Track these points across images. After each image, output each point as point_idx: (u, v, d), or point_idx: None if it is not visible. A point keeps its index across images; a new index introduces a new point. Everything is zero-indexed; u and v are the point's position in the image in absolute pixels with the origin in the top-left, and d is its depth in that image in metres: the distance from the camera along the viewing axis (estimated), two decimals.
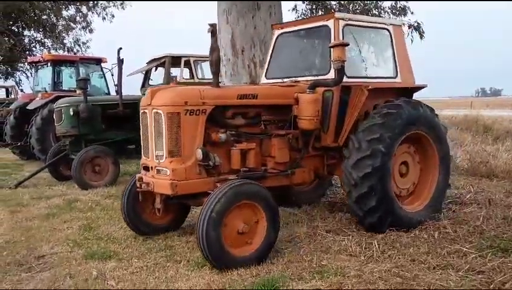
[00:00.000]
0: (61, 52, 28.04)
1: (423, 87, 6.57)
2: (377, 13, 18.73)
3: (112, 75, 13.81)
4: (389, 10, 18.68)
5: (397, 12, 18.50)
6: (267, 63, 6.84)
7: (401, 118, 5.69)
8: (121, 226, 6.21)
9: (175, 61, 12.09)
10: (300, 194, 7.19)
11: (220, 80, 8.20)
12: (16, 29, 28.92)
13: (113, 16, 30.24)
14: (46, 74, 14.35)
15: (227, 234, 4.60)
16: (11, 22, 27.90)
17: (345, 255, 5.02)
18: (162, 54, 12.07)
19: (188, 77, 12.50)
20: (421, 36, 18.30)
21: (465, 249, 4.97)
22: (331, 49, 5.41)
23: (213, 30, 5.18)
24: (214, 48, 5.22)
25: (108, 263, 4.93)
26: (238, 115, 5.57)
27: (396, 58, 6.35)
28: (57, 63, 14.28)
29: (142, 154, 5.47)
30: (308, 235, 5.68)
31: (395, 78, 6.35)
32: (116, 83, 12.00)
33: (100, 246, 5.52)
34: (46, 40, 29.58)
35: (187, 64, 12.36)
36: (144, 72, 12.65)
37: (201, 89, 5.31)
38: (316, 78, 5.98)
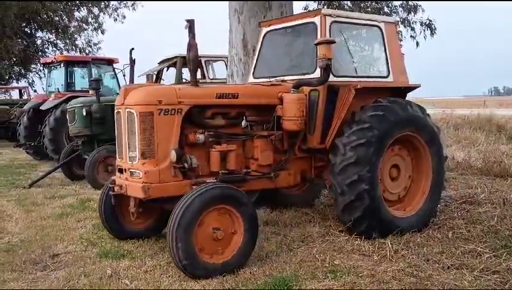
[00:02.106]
0: (73, 53, 28.31)
1: (416, 87, 6.32)
2: (388, 11, 18.59)
3: (124, 75, 13.89)
4: (400, 9, 18.52)
5: (409, 10, 18.33)
6: (254, 62, 6.63)
7: (388, 121, 5.41)
8: None
9: (186, 61, 12.12)
10: (291, 197, 7.00)
11: (232, 80, 8.24)
12: (29, 31, 29.27)
13: (124, 17, 30.47)
14: (59, 75, 14.48)
15: (199, 239, 4.40)
16: (24, 24, 28.23)
17: (358, 254, 5.01)
18: (174, 54, 12.12)
19: (199, 77, 12.53)
20: (432, 34, 18.15)
21: (479, 249, 4.93)
22: (317, 46, 5.18)
23: (190, 26, 4.94)
24: (192, 45, 4.96)
25: (122, 261, 4.96)
26: (218, 115, 5.32)
27: (388, 56, 6.08)
28: (70, 64, 14.40)
29: (117, 156, 5.26)
30: (321, 234, 5.67)
31: (386, 77, 6.09)
32: (128, 83, 12.07)
33: (113, 245, 5.56)
34: (58, 41, 29.90)
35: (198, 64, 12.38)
36: (155, 73, 12.71)
37: (177, 88, 5.09)
38: (302, 77, 5.74)
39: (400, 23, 18.46)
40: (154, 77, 12.70)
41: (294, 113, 5.37)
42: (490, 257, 4.72)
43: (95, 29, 30.44)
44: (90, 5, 29.18)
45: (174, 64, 12.10)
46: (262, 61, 6.56)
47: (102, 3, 29.64)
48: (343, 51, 6.11)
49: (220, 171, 5.12)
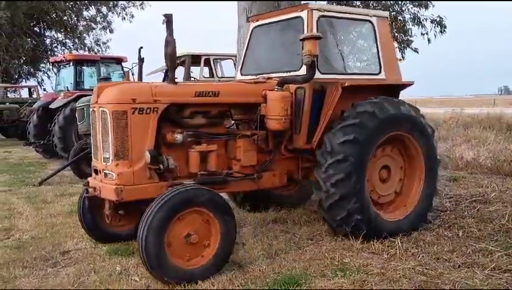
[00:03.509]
0: (82, 52, 28.47)
1: (409, 85, 6.09)
2: (398, 9, 18.45)
3: (133, 74, 13.94)
4: (410, 6, 18.38)
5: (419, 6, 18.19)
6: (242, 58, 6.39)
7: (378, 118, 5.16)
8: None
9: (195, 59, 12.15)
10: (285, 197, 6.83)
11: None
12: (38, 30, 29.48)
13: (132, 16, 30.59)
14: (68, 74, 14.56)
15: (171, 244, 4.23)
16: (33, 23, 28.43)
17: (367, 253, 4.99)
18: (182, 53, 12.14)
19: (207, 75, 12.55)
20: (442, 31, 18.00)
21: (490, 247, 4.89)
22: (303, 42, 4.97)
23: (168, 21, 4.71)
24: (169, 41, 4.71)
25: (131, 259, 4.97)
26: (198, 114, 5.10)
27: (380, 52, 5.82)
28: (79, 63, 14.48)
29: (92, 156, 5.07)
30: (330, 233, 5.64)
31: (378, 74, 5.83)
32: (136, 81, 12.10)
33: (123, 242, 5.56)
34: (67, 40, 30.09)
35: (207, 62, 12.41)
36: (164, 71, 12.74)
37: (153, 86, 4.89)
38: (288, 74, 5.50)
39: (409, 20, 18.34)
40: (164, 74, 12.73)
41: (278, 112, 5.16)
42: (502, 255, 4.68)
43: (104, 28, 30.61)
44: (99, 4, 29.33)
45: (182, 63, 12.12)
46: (250, 58, 6.34)
47: (111, 3, 29.76)
48: (332, 47, 5.90)
49: (199, 173, 4.93)
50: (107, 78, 10.75)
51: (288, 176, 5.74)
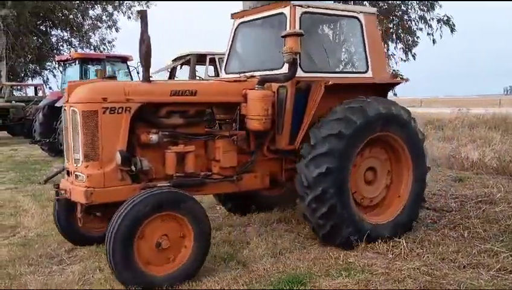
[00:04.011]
0: (87, 50, 28.57)
1: (397, 84, 5.96)
2: (405, 9, 18.40)
3: (138, 73, 13.98)
4: (416, 6, 18.32)
5: (426, 8, 18.12)
6: (226, 56, 6.19)
7: (366, 115, 5.01)
8: None
9: (200, 58, 12.15)
10: (272, 198, 6.64)
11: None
12: (44, 29, 29.60)
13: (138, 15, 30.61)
14: (73, 72, 14.60)
15: (141, 250, 4.07)
16: (39, 22, 28.55)
17: (372, 252, 4.98)
18: (187, 52, 12.15)
19: (212, 74, 12.56)
20: (452, 30, 17.92)
21: (496, 248, 4.88)
22: (285, 39, 4.83)
23: (142, 17, 4.61)
24: (144, 38, 4.55)
25: None
26: (175, 114, 4.90)
27: (367, 50, 5.60)
28: (84, 61, 14.52)
29: (65, 157, 4.89)
30: None
31: (365, 72, 5.62)
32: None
33: None
34: (73, 39, 30.20)
35: (212, 61, 12.41)
36: (169, 70, 12.76)
37: (126, 84, 4.76)
38: (270, 72, 5.31)
39: (416, 20, 18.25)
40: (169, 73, 12.75)
41: (259, 112, 4.97)
42: (507, 256, 4.66)
43: (109, 27, 30.69)
44: (104, 3, 29.41)
45: (187, 62, 12.13)
46: (234, 56, 6.13)
47: (117, 2, 29.84)
48: (316, 45, 5.74)
49: (174, 175, 4.74)
50: (113, 77, 10.81)
51: (271, 178, 5.52)
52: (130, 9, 30.36)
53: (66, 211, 5.09)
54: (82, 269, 4.67)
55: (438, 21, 17.90)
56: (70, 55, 14.95)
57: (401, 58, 19.32)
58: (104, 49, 30.26)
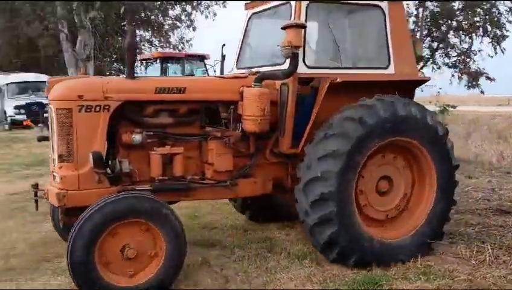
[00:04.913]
0: (167, 49, 29.69)
1: (425, 81, 5.24)
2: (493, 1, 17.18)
3: (215, 71, 14.32)
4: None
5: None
6: (238, 50, 5.74)
7: (366, 125, 4.37)
8: (224, 216, 6.49)
9: None
10: (289, 207, 5.68)
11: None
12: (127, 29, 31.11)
13: (215, 14, 31.33)
14: (154, 70, 15.28)
15: (106, 258, 3.83)
16: (123, 23, 30.07)
17: (453, 257, 4.78)
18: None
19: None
20: None
21: None
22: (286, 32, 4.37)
23: (127, 12, 4.40)
24: (128, 30, 4.33)
25: (212, 250, 5.12)
26: (164, 113, 4.58)
27: (389, 43, 4.99)
28: (165, 60, 15.15)
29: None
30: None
31: (385, 68, 5.00)
32: None
33: (203, 234, 5.75)
34: (153, 38, 31.51)
35: None
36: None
37: (104, 81, 4.40)
38: (273, 68, 4.86)
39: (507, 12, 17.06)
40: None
41: (254, 111, 4.50)
42: None
43: (188, 26, 31.65)
44: (184, 3, 30.38)
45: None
46: (246, 49, 5.70)
47: (195, 2, 30.70)
48: (326, 37, 5.20)
49: (157, 178, 4.40)
50: (191, 75, 11.17)
51: (275, 184, 5.03)
52: (207, 9, 31.13)
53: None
54: None
55: None
56: (151, 54, 15.65)
57: (489, 54, 18.21)
58: (182, 48, 31.28)
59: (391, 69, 4.99)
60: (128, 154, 4.43)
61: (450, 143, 4.82)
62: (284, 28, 4.36)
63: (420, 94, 15.32)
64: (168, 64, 15.43)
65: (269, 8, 5.33)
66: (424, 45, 15.00)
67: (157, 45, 31.10)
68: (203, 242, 5.37)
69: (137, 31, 31.53)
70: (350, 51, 5.32)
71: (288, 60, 4.45)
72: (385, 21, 5.00)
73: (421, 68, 14.58)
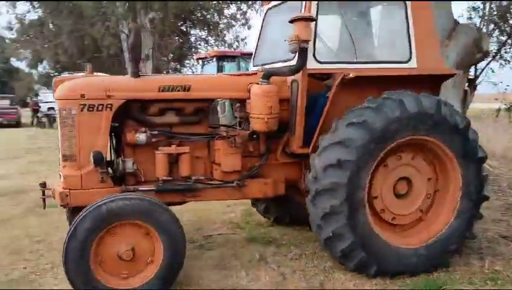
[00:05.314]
0: (222, 48, 30.08)
1: (451, 76, 4.80)
2: None
3: None
4: None
5: None
6: (255, 47, 5.55)
7: (371, 130, 4.04)
8: None
9: None
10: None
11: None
12: (184, 29, 31.80)
13: None
14: (211, 69, 15.47)
15: (102, 260, 3.78)
16: (180, 23, 30.77)
17: None
18: None
19: None
20: None
21: None
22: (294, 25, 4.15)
23: (130, 6, 4.27)
24: (132, 28, 4.25)
25: (269, 248, 5.14)
26: (167, 112, 4.50)
27: (411, 35, 4.60)
28: (221, 58, 15.32)
29: None
30: (479, 238, 5.20)
31: (406, 62, 4.62)
32: None
33: (260, 231, 5.78)
34: (209, 37, 32.00)
35: None
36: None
37: (106, 80, 4.39)
38: (283, 64, 4.66)
39: None
40: None
41: (260, 109, 4.31)
42: None
43: (243, 24, 31.90)
44: (239, 2, 30.65)
45: None
46: (262, 46, 5.47)
47: (251, 1, 30.90)
48: (338, 30, 4.95)
49: (160, 178, 4.36)
50: None
51: (289, 185, 4.83)
52: (262, 7, 31.24)
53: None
54: (219, 255, 4.94)
55: None
56: (208, 53, 15.89)
57: None
58: (237, 46, 31.57)
59: (413, 63, 4.63)
60: (133, 153, 4.43)
61: (474, 134, 4.40)
62: (291, 22, 4.19)
63: (485, 91, 14.64)
64: (224, 63, 15.58)
65: (282, 2, 5.14)
66: (491, 40, 14.21)
67: (213, 43, 31.58)
68: (259, 239, 5.40)
69: (193, 31, 32.24)
70: (366, 45, 5.00)
71: (297, 55, 4.29)
72: (407, 13, 4.63)
73: (488, 63, 13.83)
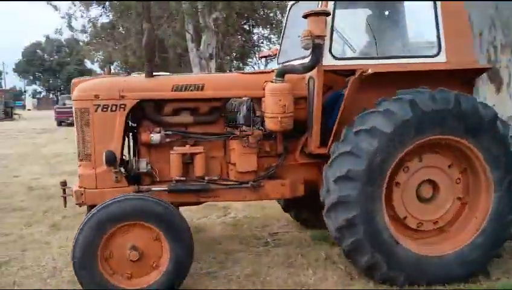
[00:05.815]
0: None
1: (486, 70, 4.48)
2: None
3: None
4: None
5: None
6: (280, 44, 5.44)
7: (380, 137, 3.83)
8: None
9: None
10: None
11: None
12: (247, 28, 32.12)
13: None
14: (274, 66, 15.59)
15: (109, 261, 3.81)
16: (243, 22, 31.10)
17: None
18: None
19: None
20: None
21: None
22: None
23: (144, 8, 4.22)
24: (145, 28, 4.24)
25: (335, 248, 5.09)
26: (182, 111, 4.50)
27: (440, 28, 4.31)
28: None
29: None
30: None
31: (434, 56, 4.33)
32: None
33: (325, 231, 5.70)
34: (272, 35, 32.12)
35: None
36: None
37: (121, 80, 4.44)
38: (300, 61, 4.48)
39: None
40: None
41: (273, 108, 4.20)
42: None
43: None
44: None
45: None
46: (286, 43, 5.34)
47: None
48: (358, 25, 4.78)
49: (174, 178, 4.38)
50: None
51: (309, 186, 4.67)
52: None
53: None
54: (286, 253, 5.00)
55: None
56: (271, 52, 15.99)
57: None
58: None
59: (441, 58, 4.34)
60: (148, 153, 4.47)
61: (505, 126, 4.09)
62: (305, 17, 4.06)
63: None
64: None
65: None
66: None
67: (276, 42, 31.69)
68: (325, 239, 5.37)
69: (256, 29, 32.47)
70: (389, 39, 4.76)
71: (311, 52, 4.14)
72: (435, 4, 4.35)
73: None
